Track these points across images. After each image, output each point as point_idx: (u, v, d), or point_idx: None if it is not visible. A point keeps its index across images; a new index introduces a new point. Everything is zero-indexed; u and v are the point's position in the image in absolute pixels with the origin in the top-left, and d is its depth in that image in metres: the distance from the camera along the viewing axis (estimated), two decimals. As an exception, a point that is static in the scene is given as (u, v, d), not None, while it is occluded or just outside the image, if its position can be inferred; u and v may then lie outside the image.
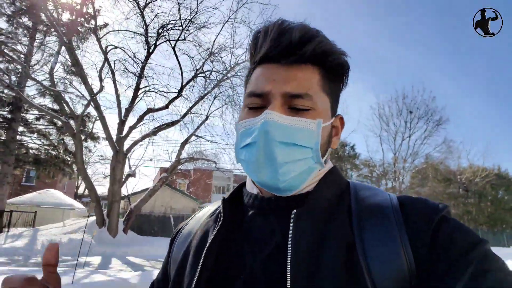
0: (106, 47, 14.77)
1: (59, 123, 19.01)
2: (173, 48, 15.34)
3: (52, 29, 16.71)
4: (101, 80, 14.46)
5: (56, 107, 17.95)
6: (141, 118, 15.22)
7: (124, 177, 16.79)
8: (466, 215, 26.27)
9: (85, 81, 14.33)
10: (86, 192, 41.13)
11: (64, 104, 14.37)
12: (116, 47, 15.23)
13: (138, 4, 15.76)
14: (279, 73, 0.62)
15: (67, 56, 15.41)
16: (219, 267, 0.61)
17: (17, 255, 13.25)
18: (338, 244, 0.55)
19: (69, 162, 19.52)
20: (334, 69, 0.66)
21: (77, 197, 35.50)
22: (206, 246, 0.62)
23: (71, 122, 14.36)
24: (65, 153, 19.84)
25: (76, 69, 14.31)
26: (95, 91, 14.63)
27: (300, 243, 0.55)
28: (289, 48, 0.62)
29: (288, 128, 0.60)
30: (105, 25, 17.42)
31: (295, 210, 0.58)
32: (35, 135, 19.25)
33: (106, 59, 14.59)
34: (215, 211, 0.75)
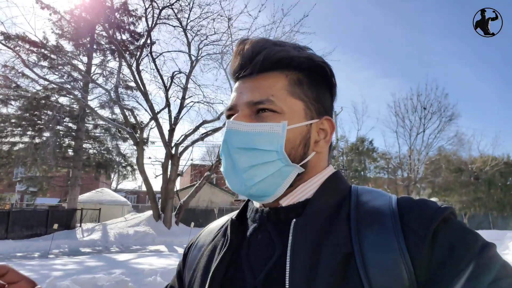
0: (173, 72, 17.37)
1: (112, 130, 21.71)
2: (221, 64, 17.67)
3: (112, 50, 19.22)
4: (167, 99, 16.97)
5: (113, 117, 20.57)
6: (196, 128, 17.75)
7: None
8: (477, 202, 28.48)
9: (146, 98, 16.86)
10: (119, 187, 44.03)
11: (132, 117, 16.96)
12: (180, 72, 17.67)
13: (181, 25, 18.11)
14: (244, 86, 0.67)
15: (126, 73, 17.95)
16: None
17: (96, 246, 15.98)
18: (337, 254, 0.55)
19: (124, 165, 22.25)
20: (302, 74, 0.67)
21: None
22: (212, 270, 0.64)
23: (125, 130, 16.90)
24: (118, 156, 22.55)
25: (138, 87, 16.82)
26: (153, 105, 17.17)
27: (299, 255, 0.55)
28: (244, 62, 0.66)
29: (248, 134, 0.62)
30: (153, 42, 19.81)
31: (294, 220, 0.59)
32: (91, 141, 21.95)
33: (170, 80, 17.09)
34: (225, 225, 0.75)
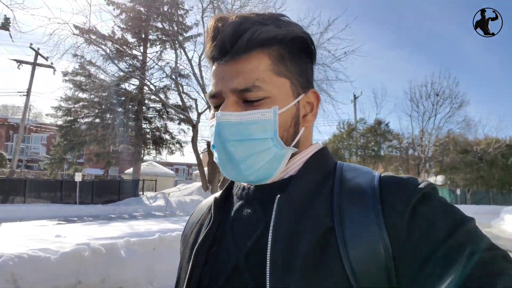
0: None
1: (163, 110, 24.73)
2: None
3: (163, 41, 21.90)
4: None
5: (167, 101, 23.51)
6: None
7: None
8: (480, 180, 31.74)
9: (203, 88, 19.70)
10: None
11: (193, 103, 19.97)
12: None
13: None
14: (226, 71, 0.62)
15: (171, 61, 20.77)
16: (209, 263, 0.64)
17: (163, 211, 19.31)
18: (318, 227, 0.56)
19: (173, 142, 25.46)
20: (284, 48, 0.64)
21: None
22: (196, 245, 0.66)
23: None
24: (166, 134, 25.70)
25: (198, 81, 19.64)
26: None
27: (281, 228, 0.56)
28: (224, 46, 0.61)
29: (241, 124, 0.60)
30: (199, 34, 22.40)
31: (278, 196, 0.59)
32: (145, 122, 25.03)
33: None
34: (211, 203, 0.75)
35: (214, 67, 0.65)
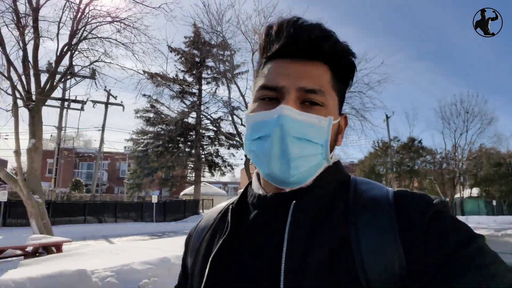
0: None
1: (215, 138, 28.06)
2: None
3: (216, 78, 25.36)
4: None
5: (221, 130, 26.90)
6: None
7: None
8: (513, 191, 32.93)
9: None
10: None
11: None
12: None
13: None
14: (293, 69, 0.63)
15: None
16: (224, 274, 0.63)
17: (223, 226, 22.18)
18: (333, 236, 0.57)
19: (224, 165, 28.74)
20: (344, 70, 0.67)
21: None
22: (212, 254, 0.64)
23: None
24: (217, 158, 29.04)
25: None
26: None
27: (295, 236, 0.58)
28: (306, 45, 0.63)
29: (302, 123, 0.61)
30: (247, 71, 25.70)
31: (294, 201, 0.61)
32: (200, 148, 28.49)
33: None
34: (223, 210, 0.77)
35: (274, 63, 0.66)
